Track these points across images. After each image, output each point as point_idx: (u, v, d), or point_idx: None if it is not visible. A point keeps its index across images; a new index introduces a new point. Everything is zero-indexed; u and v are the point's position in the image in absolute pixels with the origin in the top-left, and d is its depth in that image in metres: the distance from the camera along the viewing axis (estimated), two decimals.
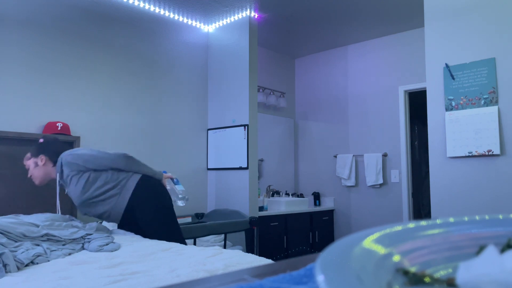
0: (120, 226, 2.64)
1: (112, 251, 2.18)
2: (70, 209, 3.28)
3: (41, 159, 2.53)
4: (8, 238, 1.98)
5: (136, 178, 2.50)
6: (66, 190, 2.54)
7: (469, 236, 0.35)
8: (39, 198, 3.14)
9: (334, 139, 5.31)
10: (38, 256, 1.94)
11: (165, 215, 2.52)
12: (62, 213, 2.65)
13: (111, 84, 3.83)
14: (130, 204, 2.47)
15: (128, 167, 2.50)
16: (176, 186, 2.63)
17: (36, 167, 2.53)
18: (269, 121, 5.28)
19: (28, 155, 2.57)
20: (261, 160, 5.06)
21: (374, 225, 4.85)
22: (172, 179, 2.66)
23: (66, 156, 2.47)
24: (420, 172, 5.47)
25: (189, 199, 2.72)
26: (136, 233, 2.55)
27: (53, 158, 2.54)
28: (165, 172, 2.69)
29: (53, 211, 2.96)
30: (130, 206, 2.47)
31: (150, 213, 2.49)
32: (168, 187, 2.61)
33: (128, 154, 2.53)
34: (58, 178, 2.51)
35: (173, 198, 2.61)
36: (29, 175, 2.57)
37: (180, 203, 2.61)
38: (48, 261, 1.96)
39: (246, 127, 4.18)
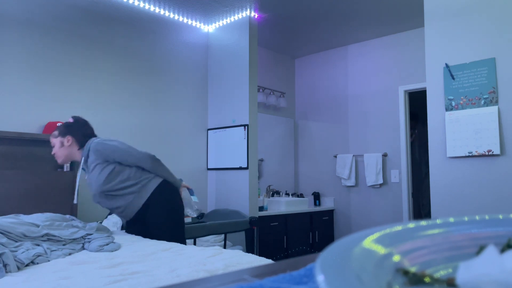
0: (128, 223, 2.63)
1: (112, 251, 2.18)
2: (70, 208, 3.28)
3: (68, 140, 2.52)
4: (8, 238, 1.98)
5: (157, 181, 2.52)
6: (86, 176, 2.53)
7: (469, 236, 0.35)
8: (39, 198, 3.14)
9: (334, 139, 5.31)
10: (38, 256, 1.94)
11: (176, 222, 2.54)
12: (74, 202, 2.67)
13: (111, 84, 3.83)
14: (145, 204, 2.48)
15: (153, 169, 2.52)
16: (191, 196, 2.65)
17: (62, 147, 2.52)
18: (269, 121, 5.28)
19: (56, 132, 2.55)
20: (261, 160, 5.06)
21: (374, 225, 4.85)
22: (188, 189, 2.67)
23: (96, 143, 2.46)
24: (420, 172, 5.47)
25: (201, 213, 2.72)
26: (140, 233, 2.54)
27: (80, 141, 2.53)
28: (181, 180, 2.70)
29: (53, 211, 2.96)
30: (145, 207, 2.48)
31: (163, 217, 2.50)
32: (182, 196, 2.62)
33: (156, 157, 2.55)
34: (82, 162, 2.50)
35: (186, 207, 2.63)
36: (52, 153, 2.56)
37: (192, 213, 2.64)
38: (48, 261, 1.96)
39: (246, 127, 4.18)
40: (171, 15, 4.32)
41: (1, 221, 2.09)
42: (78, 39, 3.63)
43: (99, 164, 2.44)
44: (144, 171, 2.52)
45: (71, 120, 2.59)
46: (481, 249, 0.32)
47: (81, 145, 2.53)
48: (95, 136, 2.60)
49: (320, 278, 0.24)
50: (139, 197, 2.47)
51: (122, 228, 3.19)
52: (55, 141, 2.53)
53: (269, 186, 5.08)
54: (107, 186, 2.43)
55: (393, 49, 4.86)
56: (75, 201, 2.61)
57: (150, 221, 2.50)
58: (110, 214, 3.39)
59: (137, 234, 2.57)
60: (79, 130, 2.56)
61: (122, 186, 2.45)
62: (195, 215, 2.68)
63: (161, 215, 2.50)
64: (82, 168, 2.56)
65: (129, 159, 2.47)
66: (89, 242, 2.26)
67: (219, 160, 4.42)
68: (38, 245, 2.06)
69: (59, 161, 2.56)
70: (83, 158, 2.49)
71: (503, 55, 2.73)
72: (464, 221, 0.37)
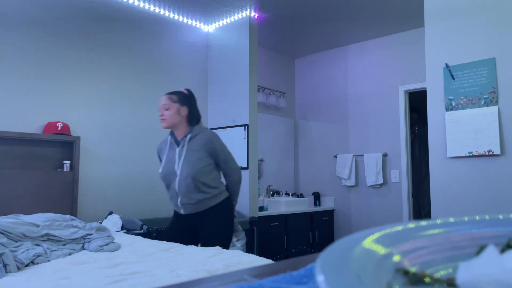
0: (179, 217, 2.57)
1: (112, 251, 2.18)
2: (70, 208, 3.28)
3: (184, 110, 2.50)
4: (8, 238, 1.98)
5: (226, 194, 2.56)
6: (178, 149, 2.48)
7: (469, 236, 0.35)
8: (39, 198, 3.15)
9: (334, 139, 5.31)
10: (38, 256, 1.94)
11: (228, 238, 2.54)
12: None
13: (111, 84, 3.83)
14: (209, 210, 2.48)
15: (234, 182, 2.57)
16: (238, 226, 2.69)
17: (176, 114, 2.48)
18: (269, 121, 5.28)
19: (175, 97, 2.51)
20: (261, 160, 5.06)
21: (374, 225, 4.84)
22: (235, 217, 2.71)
23: (213, 133, 2.52)
24: (420, 172, 5.47)
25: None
26: (186, 234, 2.52)
27: (191, 117, 2.53)
28: None
29: (53, 211, 2.96)
30: (205, 213, 2.48)
31: (219, 230, 2.50)
32: (234, 222, 2.65)
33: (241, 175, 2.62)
34: (187, 138, 2.47)
35: (234, 235, 2.65)
36: (161, 114, 2.49)
37: (237, 242, 2.65)
38: (48, 261, 1.96)
39: (246, 127, 4.18)
40: (171, 15, 4.32)
41: (1, 221, 2.09)
42: (78, 39, 3.63)
43: (202, 151, 2.44)
44: (221, 180, 2.56)
45: (185, 91, 2.58)
46: (481, 249, 0.32)
47: (190, 121, 2.52)
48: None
49: (320, 278, 0.24)
50: (210, 200, 2.49)
51: (122, 228, 3.19)
52: (172, 105, 2.49)
53: (269, 186, 5.08)
54: (200, 175, 2.42)
55: (393, 49, 4.86)
56: (178, 173, 2.53)
57: (206, 227, 2.49)
58: (110, 214, 3.40)
59: (181, 231, 2.54)
60: (195, 106, 2.57)
61: (209, 184, 2.46)
62: (240, 245, 2.69)
63: (219, 227, 2.51)
64: (176, 142, 2.51)
65: (226, 164, 2.52)
66: (89, 242, 2.27)
67: None
68: (38, 245, 2.06)
69: (165, 124, 2.50)
70: (189, 136, 2.47)
71: (503, 55, 2.72)
72: (464, 221, 0.37)
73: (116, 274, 1.63)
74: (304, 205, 4.91)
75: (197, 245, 2.42)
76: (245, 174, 4.18)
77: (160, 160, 2.64)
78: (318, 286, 0.24)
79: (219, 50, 4.56)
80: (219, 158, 2.50)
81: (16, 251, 1.91)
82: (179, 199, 2.49)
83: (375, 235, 0.33)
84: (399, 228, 0.35)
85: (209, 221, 2.48)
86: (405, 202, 4.64)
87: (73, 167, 3.35)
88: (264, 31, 4.69)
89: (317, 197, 5.30)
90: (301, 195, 5.38)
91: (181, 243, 2.39)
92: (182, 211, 2.52)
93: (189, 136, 2.47)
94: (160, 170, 2.53)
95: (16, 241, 2.01)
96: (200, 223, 2.50)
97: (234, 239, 2.64)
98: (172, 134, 2.57)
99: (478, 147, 2.76)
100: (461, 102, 2.85)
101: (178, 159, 2.46)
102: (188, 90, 2.61)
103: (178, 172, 2.44)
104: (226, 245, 2.49)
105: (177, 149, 2.49)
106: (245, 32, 4.30)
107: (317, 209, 5.04)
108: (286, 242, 4.53)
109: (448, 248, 0.34)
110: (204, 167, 2.43)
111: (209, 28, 4.67)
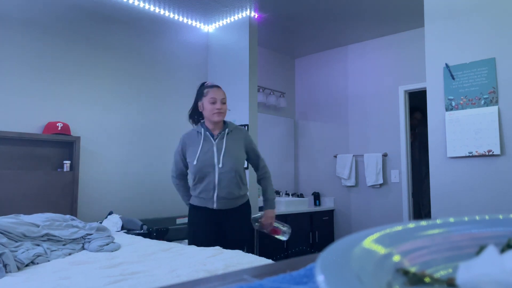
0: (206, 211, 2.53)
1: (112, 251, 2.18)
2: (70, 208, 3.28)
3: None
4: (8, 238, 1.98)
5: (248, 196, 2.63)
6: (216, 142, 2.51)
7: (469, 236, 0.35)
8: (39, 198, 3.14)
9: (334, 139, 5.31)
10: (38, 256, 1.94)
11: (248, 240, 2.58)
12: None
13: (111, 84, 3.83)
14: (236, 209, 2.52)
15: (268, 174, 2.65)
16: (279, 224, 2.73)
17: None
18: (269, 121, 5.28)
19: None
20: None
21: (374, 225, 4.84)
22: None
23: (247, 131, 2.67)
24: (420, 172, 5.47)
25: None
26: (210, 232, 2.51)
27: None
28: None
29: (53, 211, 2.97)
30: (234, 211, 2.52)
31: (245, 231, 2.55)
32: (277, 225, 2.69)
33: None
34: (225, 132, 2.54)
35: (282, 234, 2.70)
36: (220, 107, 2.52)
37: (285, 237, 2.71)
38: (48, 261, 1.96)
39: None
40: (171, 15, 4.32)
41: (1, 221, 2.09)
42: (78, 39, 3.63)
43: (241, 145, 2.55)
44: (245, 182, 2.63)
45: None
46: (481, 249, 0.32)
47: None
48: None
49: (320, 278, 0.24)
50: (241, 198, 2.54)
51: (122, 228, 3.19)
52: (226, 100, 2.59)
53: None
54: (241, 169, 2.51)
55: (393, 49, 4.86)
56: (219, 166, 2.49)
57: (234, 226, 2.50)
58: (110, 214, 3.40)
59: (209, 229, 2.50)
60: None
61: (243, 179, 2.54)
62: (286, 238, 2.75)
63: (246, 227, 2.55)
64: (212, 136, 2.53)
65: (260, 158, 2.64)
66: (89, 242, 2.27)
67: None
68: (38, 245, 2.06)
69: (221, 118, 2.53)
70: (227, 130, 2.55)
71: (503, 55, 2.72)
72: (464, 221, 0.37)
73: (116, 274, 1.63)
74: (304, 205, 4.91)
75: (219, 244, 2.40)
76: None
77: (182, 152, 2.59)
78: (318, 286, 0.24)
79: (219, 50, 4.56)
80: (253, 153, 2.61)
81: (16, 251, 1.91)
82: (215, 193, 2.46)
83: (375, 235, 0.33)
84: (399, 228, 0.35)
85: (237, 220, 2.51)
86: (405, 202, 4.64)
87: (73, 167, 3.35)
88: (264, 31, 4.69)
89: (317, 197, 5.30)
90: (301, 195, 5.38)
91: (207, 241, 2.39)
92: (215, 206, 2.47)
93: (227, 130, 2.55)
94: (194, 162, 2.47)
95: (16, 241, 2.01)
96: (227, 222, 2.50)
97: (283, 238, 2.71)
98: (205, 127, 2.56)
99: (478, 147, 2.76)
100: (461, 102, 2.85)
101: (217, 152, 2.48)
102: None
103: (220, 165, 2.45)
104: (247, 245, 2.55)
105: (215, 142, 2.51)
106: (245, 32, 4.30)
107: (317, 209, 5.04)
108: (286, 242, 4.53)
109: (448, 248, 0.34)
110: (243, 162, 2.55)
111: (209, 28, 4.67)
